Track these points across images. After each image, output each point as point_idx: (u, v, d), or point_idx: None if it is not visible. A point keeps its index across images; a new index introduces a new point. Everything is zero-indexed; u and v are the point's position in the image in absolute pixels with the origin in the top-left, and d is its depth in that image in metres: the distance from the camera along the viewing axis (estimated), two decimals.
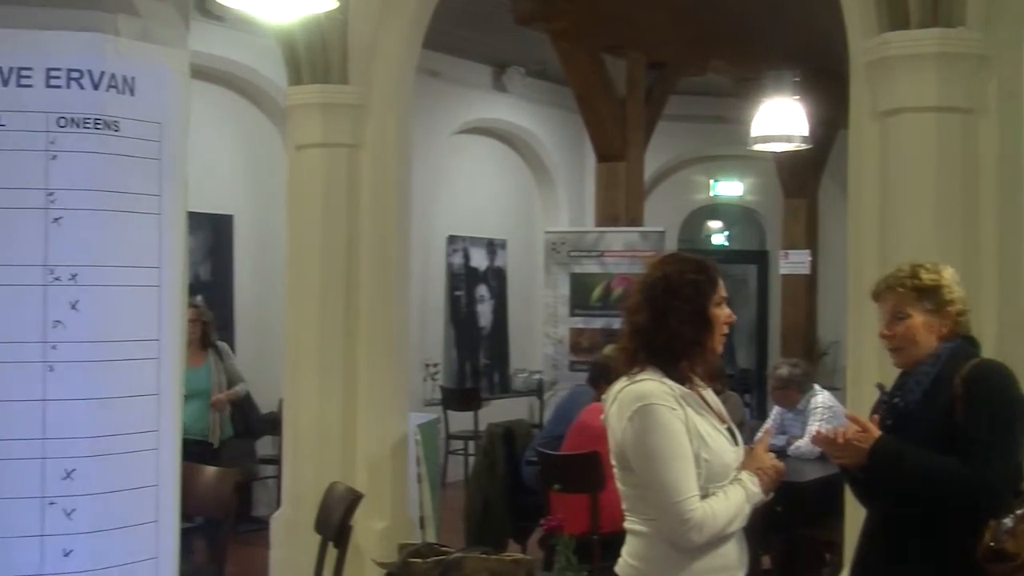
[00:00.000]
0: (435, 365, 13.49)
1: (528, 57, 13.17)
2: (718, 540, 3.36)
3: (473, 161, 14.54)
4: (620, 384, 3.46)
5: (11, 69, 2.20)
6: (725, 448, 3.43)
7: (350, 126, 7.74)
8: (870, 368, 5.39)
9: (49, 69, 2.22)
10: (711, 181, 17.06)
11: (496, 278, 14.82)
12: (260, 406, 10.22)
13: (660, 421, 3.32)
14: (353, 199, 7.76)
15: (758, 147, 11.04)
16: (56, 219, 2.18)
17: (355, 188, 7.76)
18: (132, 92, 2.29)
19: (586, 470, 6.70)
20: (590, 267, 11.01)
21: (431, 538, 7.58)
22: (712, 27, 11.08)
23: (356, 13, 7.60)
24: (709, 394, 3.57)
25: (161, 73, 2.36)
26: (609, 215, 11.40)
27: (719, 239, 17.47)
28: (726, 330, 3.51)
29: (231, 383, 8.79)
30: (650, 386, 3.37)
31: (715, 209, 17.32)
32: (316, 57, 7.69)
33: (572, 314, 11.08)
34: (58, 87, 2.21)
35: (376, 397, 7.80)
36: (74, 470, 2.17)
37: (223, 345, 8.98)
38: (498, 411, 12.27)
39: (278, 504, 8.52)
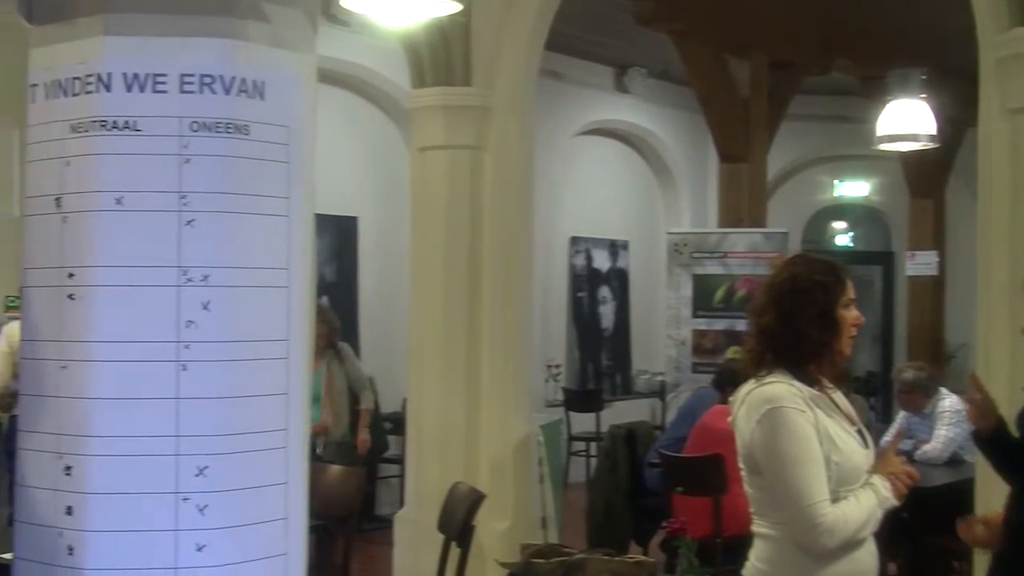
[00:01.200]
0: (557, 366, 13.49)
1: (650, 58, 13.13)
2: (850, 545, 3.31)
3: (595, 162, 14.52)
4: (748, 386, 3.43)
5: (147, 75, 2.25)
6: (856, 451, 3.38)
7: (473, 128, 7.78)
8: (1001, 370, 5.28)
9: (183, 75, 2.26)
10: (835, 181, 16.83)
11: (618, 279, 14.78)
12: (383, 406, 10.30)
13: (789, 424, 3.28)
14: (476, 201, 7.79)
15: (884, 147, 10.84)
16: (189, 221, 2.22)
17: (478, 190, 7.80)
18: (262, 96, 2.33)
19: (709, 473, 6.66)
20: (713, 268, 10.94)
21: (553, 539, 7.58)
22: (836, 25, 10.93)
23: (479, 15, 7.63)
24: (839, 396, 3.52)
25: (290, 77, 2.39)
26: (732, 216, 11.32)
27: (843, 240, 17.23)
28: (854, 332, 3.46)
29: (352, 387, 8.81)
30: (779, 388, 3.33)
31: (839, 210, 17.09)
32: (439, 60, 7.74)
33: (695, 316, 11.02)
34: (191, 92, 2.26)
35: (499, 397, 7.82)
36: (206, 467, 2.22)
37: (345, 347, 8.99)
38: (620, 413, 12.23)
39: (401, 503, 8.59)
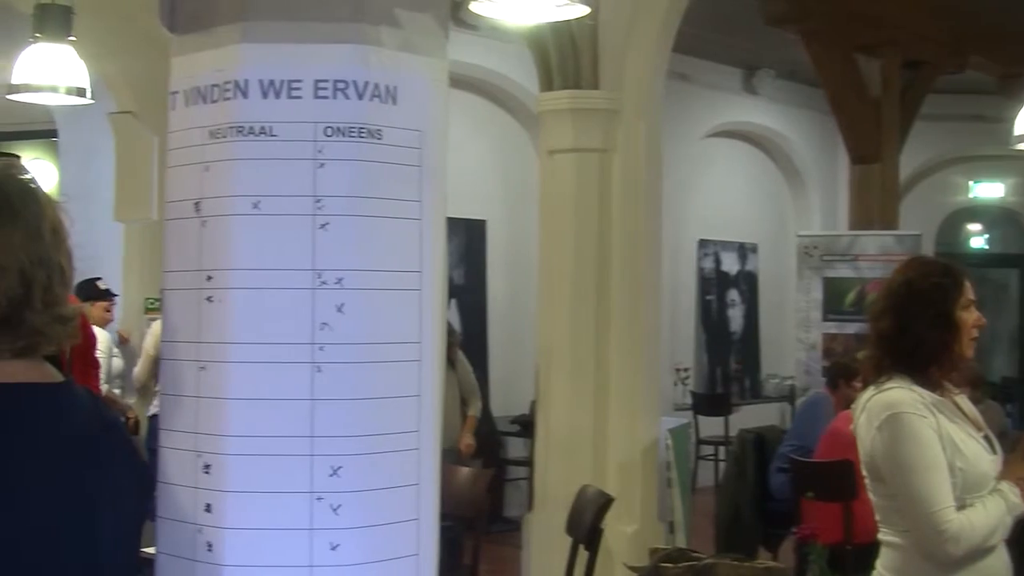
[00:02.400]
0: (686, 370, 13.42)
1: (779, 59, 13.00)
2: (979, 553, 3.24)
3: (723, 164, 14.42)
4: (868, 393, 3.38)
5: (282, 82, 2.29)
6: (982, 456, 3.31)
7: (601, 131, 7.78)
8: None
9: (317, 81, 2.29)
10: (970, 182, 16.49)
11: (747, 282, 14.66)
12: (511, 408, 10.34)
13: (911, 430, 3.23)
14: (604, 204, 7.79)
15: (1021, 146, 10.61)
16: (323, 225, 2.25)
17: (606, 193, 7.80)
18: (394, 101, 2.35)
19: (839, 478, 6.57)
20: (844, 271, 10.79)
21: (681, 543, 7.54)
22: (971, 22, 10.72)
23: (606, 18, 7.63)
24: (963, 400, 3.45)
25: (422, 82, 2.42)
26: (863, 218, 11.16)
27: (978, 242, 16.88)
28: (975, 334, 3.38)
29: (463, 394, 8.86)
30: (899, 394, 3.28)
31: (974, 211, 16.74)
32: (567, 63, 7.76)
33: (825, 319, 10.89)
34: (325, 98, 2.29)
35: (627, 401, 7.81)
36: (340, 467, 2.24)
37: (460, 355, 9.07)
38: (749, 416, 12.13)
39: (529, 505, 8.61)
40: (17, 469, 2.05)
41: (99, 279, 8.69)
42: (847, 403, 8.29)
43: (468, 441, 8.69)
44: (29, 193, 2.13)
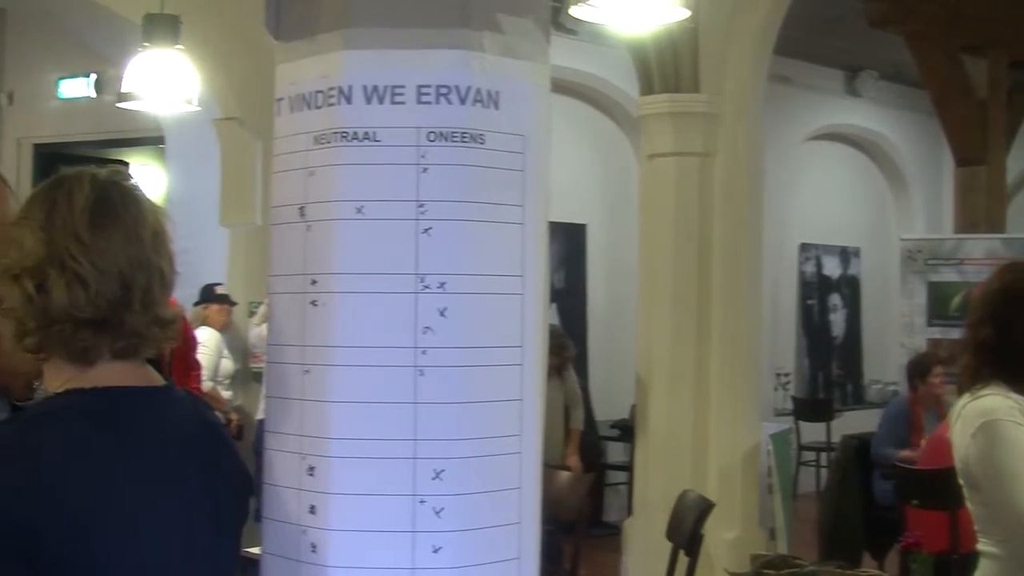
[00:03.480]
0: (786, 374, 13.31)
1: (882, 60, 12.85)
2: None
3: (825, 168, 14.28)
4: (963, 400, 3.34)
5: (386, 87, 2.30)
6: None
7: (701, 135, 7.75)
8: None
9: (420, 86, 2.31)
10: None
11: (849, 286, 14.51)
12: (611, 412, 10.33)
13: (1006, 437, 3.17)
14: (705, 208, 7.76)
15: None
16: (426, 229, 2.26)
17: (707, 197, 7.77)
18: (496, 106, 2.36)
19: (944, 486, 6.42)
20: (949, 276, 10.63)
21: (783, 550, 7.48)
22: None
23: (706, 22, 7.60)
24: None
25: (524, 87, 2.42)
26: (968, 221, 10.98)
27: None
28: None
29: (567, 403, 8.86)
30: (994, 401, 3.23)
31: None
32: (667, 66, 7.74)
33: (929, 324, 10.73)
34: (428, 103, 2.30)
35: (727, 405, 7.77)
36: (443, 470, 2.25)
37: (569, 367, 9.07)
38: (851, 422, 12.00)
39: (629, 510, 8.59)
40: (121, 471, 2.09)
41: (219, 284, 8.86)
42: (930, 400, 8.22)
43: (574, 461, 8.66)
44: (131, 198, 2.18)
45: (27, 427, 2.08)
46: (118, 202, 2.16)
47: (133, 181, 2.24)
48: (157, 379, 2.24)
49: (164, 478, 2.15)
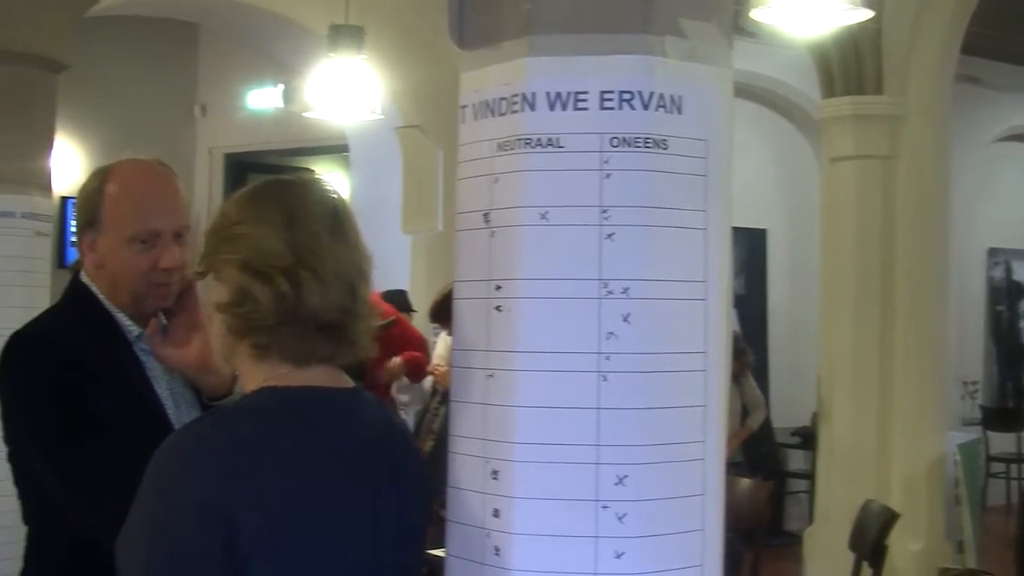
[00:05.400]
0: (974, 383, 12.96)
1: None
2: None
3: (1015, 170, 13.86)
4: None
5: (569, 94, 2.31)
6: None
7: (885, 137, 7.61)
8: None
9: (603, 92, 2.31)
10: None
11: None
12: (792, 420, 10.19)
13: None
14: (888, 212, 7.62)
15: None
16: (609, 235, 2.27)
17: (890, 201, 7.63)
18: (679, 111, 2.35)
19: None
20: None
21: (971, 564, 7.29)
22: None
23: (890, 21, 7.46)
24: None
25: (706, 91, 2.41)
26: None
27: None
28: None
29: (745, 408, 8.76)
30: None
31: None
32: (849, 68, 7.62)
33: None
34: (611, 109, 2.31)
35: (912, 414, 7.61)
36: (626, 476, 2.25)
37: (747, 373, 8.98)
38: None
39: (810, 519, 8.46)
40: (313, 468, 2.15)
41: (404, 292, 9.00)
42: None
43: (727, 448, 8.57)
44: (347, 207, 2.26)
45: (227, 422, 2.16)
46: (342, 212, 2.24)
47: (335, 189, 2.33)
48: (348, 381, 2.29)
49: (354, 477, 2.21)
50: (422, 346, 8.23)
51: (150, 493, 2.08)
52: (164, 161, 2.92)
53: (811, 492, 8.86)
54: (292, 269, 2.14)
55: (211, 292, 2.24)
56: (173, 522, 2.03)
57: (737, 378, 8.64)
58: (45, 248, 5.80)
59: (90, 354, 2.75)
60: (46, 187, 5.32)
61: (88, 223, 2.83)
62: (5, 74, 5.19)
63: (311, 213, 2.19)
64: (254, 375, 2.22)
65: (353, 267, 2.21)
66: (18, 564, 2.88)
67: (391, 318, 7.69)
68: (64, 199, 9.62)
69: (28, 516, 2.86)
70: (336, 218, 2.23)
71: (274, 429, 2.13)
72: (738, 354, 8.46)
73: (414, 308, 8.94)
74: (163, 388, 2.86)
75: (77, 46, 5.47)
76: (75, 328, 2.81)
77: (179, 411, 2.85)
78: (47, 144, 5.33)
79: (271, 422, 2.14)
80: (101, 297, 2.85)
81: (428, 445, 7.51)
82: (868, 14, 5.01)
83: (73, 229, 2.95)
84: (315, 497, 2.13)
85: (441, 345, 8.61)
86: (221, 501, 2.02)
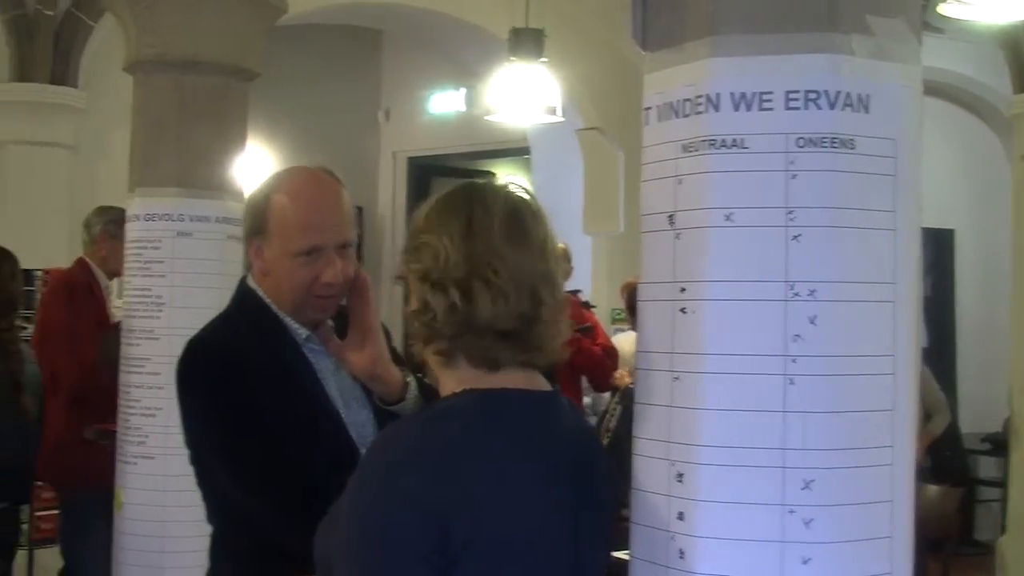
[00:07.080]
0: None
1: None
2: None
3: None
4: None
5: (753, 94, 2.30)
6: None
7: None
8: None
9: (788, 91, 2.29)
10: None
11: None
12: (982, 426, 9.93)
13: None
14: None
15: None
16: (795, 236, 2.24)
17: None
18: (866, 110, 2.32)
19: None
20: None
21: None
22: None
23: None
24: None
25: (895, 89, 2.37)
26: None
27: None
28: None
29: (927, 410, 8.53)
30: None
31: None
32: None
33: None
34: (796, 108, 2.28)
35: None
36: (812, 481, 2.23)
37: (924, 370, 8.73)
38: None
39: (1002, 529, 8.24)
40: (514, 470, 2.18)
41: (579, 291, 9.03)
42: None
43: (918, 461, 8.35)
44: (539, 214, 2.28)
45: (431, 424, 2.20)
46: (528, 218, 2.26)
47: (532, 196, 2.34)
48: (545, 384, 2.32)
49: (553, 479, 2.23)
50: (612, 354, 8.23)
51: (363, 491, 2.12)
52: (348, 166, 2.98)
53: (1003, 500, 8.62)
54: (466, 280, 2.16)
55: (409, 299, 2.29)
56: (389, 521, 2.07)
57: None
58: (237, 252, 5.96)
59: (264, 358, 2.83)
60: (238, 192, 5.48)
61: (255, 231, 2.91)
62: (202, 84, 5.35)
63: (491, 220, 2.21)
64: (447, 379, 2.26)
65: (535, 272, 2.22)
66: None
67: (586, 324, 7.71)
68: None
69: (211, 516, 2.94)
70: (519, 223, 2.24)
71: (480, 431, 2.17)
72: None
73: (593, 304, 8.95)
74: (332, 387, 2.92)
75: (266, 54, 5.61)
76: (248, 333, 2.89)
77: (349, 410, 2.91)
78: (239, 150, 5.49)
79: (477, 424, 2.17)
80: (268, 301, 2.92)
81: (604, 442, 7.50)
82: None
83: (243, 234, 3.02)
84: (517, 499, 2.16)
85: (626, 344, 8.57)
86: (435, 502, 2.06)
